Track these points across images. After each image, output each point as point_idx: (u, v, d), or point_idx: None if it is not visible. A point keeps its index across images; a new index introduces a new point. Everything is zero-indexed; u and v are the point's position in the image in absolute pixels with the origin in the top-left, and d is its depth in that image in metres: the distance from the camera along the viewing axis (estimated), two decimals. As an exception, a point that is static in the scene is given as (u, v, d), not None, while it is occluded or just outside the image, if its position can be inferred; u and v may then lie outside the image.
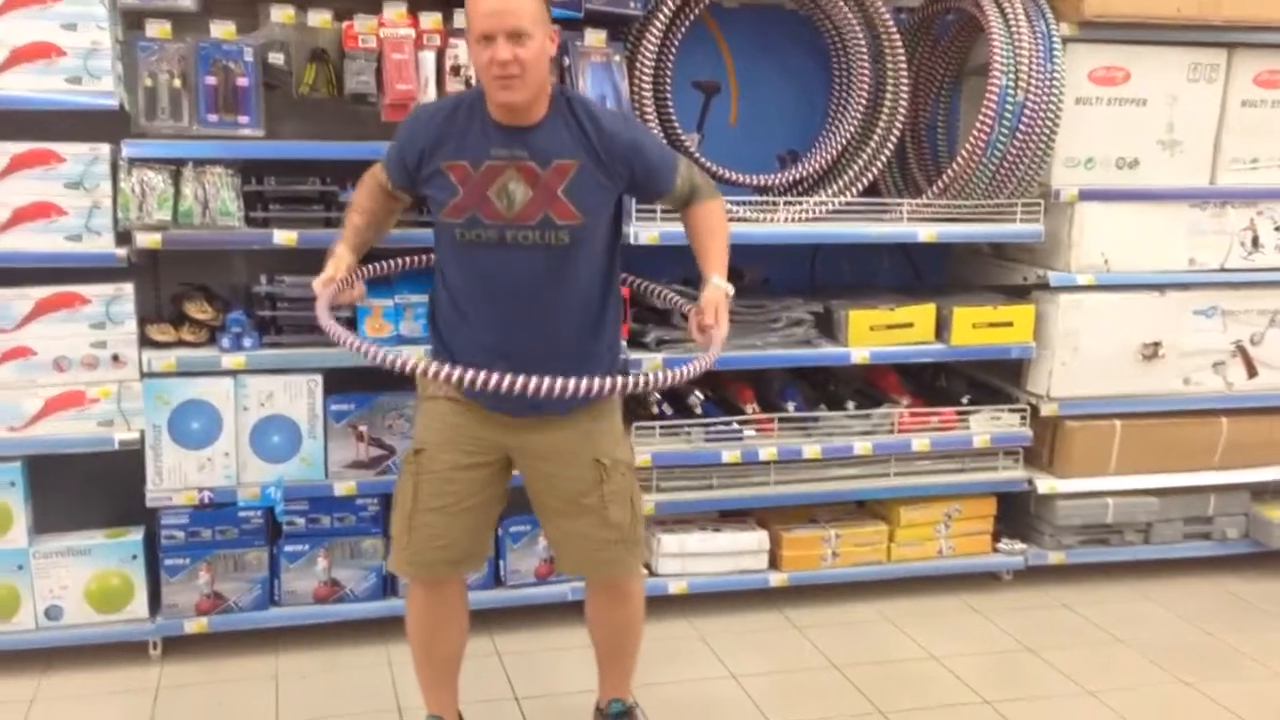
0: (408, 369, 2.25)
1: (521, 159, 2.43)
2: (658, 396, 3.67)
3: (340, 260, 2.59)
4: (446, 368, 2.27)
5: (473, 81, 3.22)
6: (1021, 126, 3.53)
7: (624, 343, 3.38)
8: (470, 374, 2.23)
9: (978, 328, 3.74)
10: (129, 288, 3.15)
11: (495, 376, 2.22)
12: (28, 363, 3.10)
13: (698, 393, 3.70)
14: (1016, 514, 4.03)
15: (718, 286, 2.54)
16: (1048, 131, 3.56)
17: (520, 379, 2.22)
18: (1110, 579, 4.01)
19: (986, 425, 3.85)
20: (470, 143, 2.45)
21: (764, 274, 4.03)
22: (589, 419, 2.61)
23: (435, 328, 2.66)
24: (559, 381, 2.23)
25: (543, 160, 2.43)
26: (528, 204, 2.44)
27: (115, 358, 3.15)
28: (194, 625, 3.30)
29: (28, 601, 3.20)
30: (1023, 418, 3.86)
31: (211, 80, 3.10)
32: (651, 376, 2.35)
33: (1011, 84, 3.52)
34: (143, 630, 3.29)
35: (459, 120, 2.47)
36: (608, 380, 2.29)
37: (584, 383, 2.25)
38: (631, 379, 2.33)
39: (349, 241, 2.64)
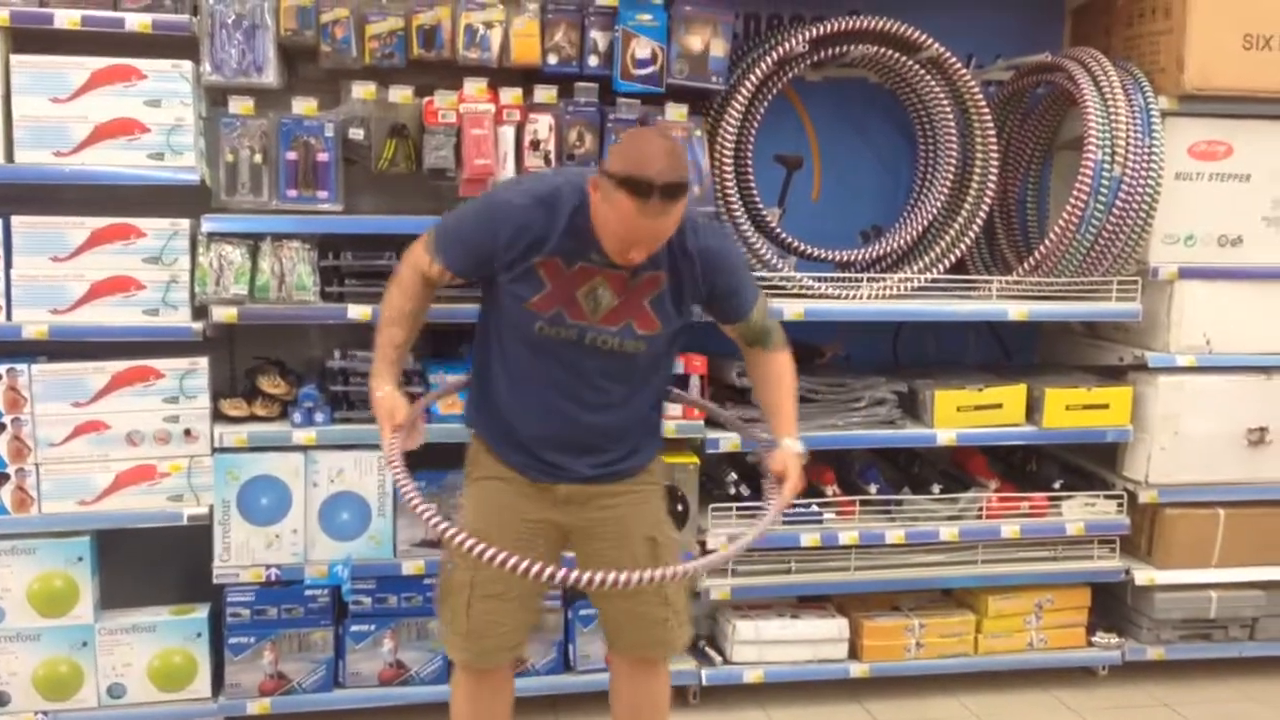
0: (465, 547, 2.26)
1: (614, 269, 2.40)
2: (734, 477, 3.56)
3: (396, 399, 2.45)
4: (502, 555, 2.24)
5: (550, 158, 3.18)
6: (1118, 202, 3.41)
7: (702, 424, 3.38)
8: (513, 561, 2.23)
9: (1071, 410, 3.59)
10: (203, 362, 3.14)
11: (575, 573, 2.30)
12: (100, 436, 3.09)
13: (776, 473, 3.58)
14: (1113, 606, 3.85)
15: (796, 454, 2.55)
16: (1146, 207, 3.44)
17: (588, 575, 2.28)
18: (1213, 677, 3.79)
19: (1080, 512, 3.69)
20: (569, 243, 2.39)
21: (845, 351, 3.92)
22: (633, 490, 2.60)
23: (484, 405, 2.59)
24: (624, 575, 2.26)
25: (633, 271, 2.41)
26: (613, 310, 2.44)
27: (187, 432, 3.13)
28: (256, 706, 3.23)
29: (90, 679, 3.16)
30: (1119, 504, 3.69)
31: (292, 156, 3.10)
32: (698, 564, 2.44)
33: (1108, 158, 3.40)
34: (205, 710, 3.23)
35: (562, 218, 2.38)
36: (669, 570, 2.33)
37: (646, 574, 2.28)
38: (687, 566, 2.38)
39: (394, 368, 2.48)
